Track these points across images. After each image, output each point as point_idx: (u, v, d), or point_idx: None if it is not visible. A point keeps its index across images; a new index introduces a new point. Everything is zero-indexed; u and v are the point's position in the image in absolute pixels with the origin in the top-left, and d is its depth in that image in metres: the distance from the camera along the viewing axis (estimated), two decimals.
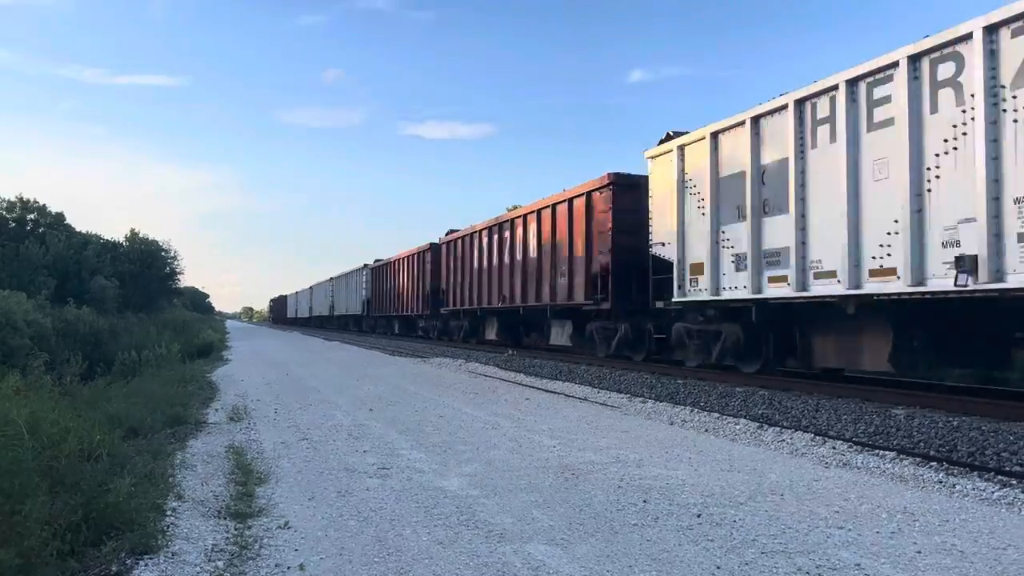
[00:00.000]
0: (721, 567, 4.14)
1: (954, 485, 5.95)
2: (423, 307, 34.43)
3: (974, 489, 5.81)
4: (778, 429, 8.50)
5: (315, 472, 6.63)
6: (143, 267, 50.29)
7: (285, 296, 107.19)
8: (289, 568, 4.18)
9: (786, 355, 12.13)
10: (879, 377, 12.09)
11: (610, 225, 17.27)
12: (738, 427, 8.78)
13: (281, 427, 9.26)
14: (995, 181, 8.35)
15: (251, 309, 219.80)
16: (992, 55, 8.44)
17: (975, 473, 6.32)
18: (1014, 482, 5.96)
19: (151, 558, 4.31)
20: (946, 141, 8.92)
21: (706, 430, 8.78)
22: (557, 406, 11.01)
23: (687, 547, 4.48)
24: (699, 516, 5.12)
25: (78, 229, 47.23)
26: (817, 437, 7.95)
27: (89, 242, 45.15)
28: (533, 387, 13.69)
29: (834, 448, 7.47)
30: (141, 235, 53.32)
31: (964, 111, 8.71)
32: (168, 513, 5.20)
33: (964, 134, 8.71)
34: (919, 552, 4.36)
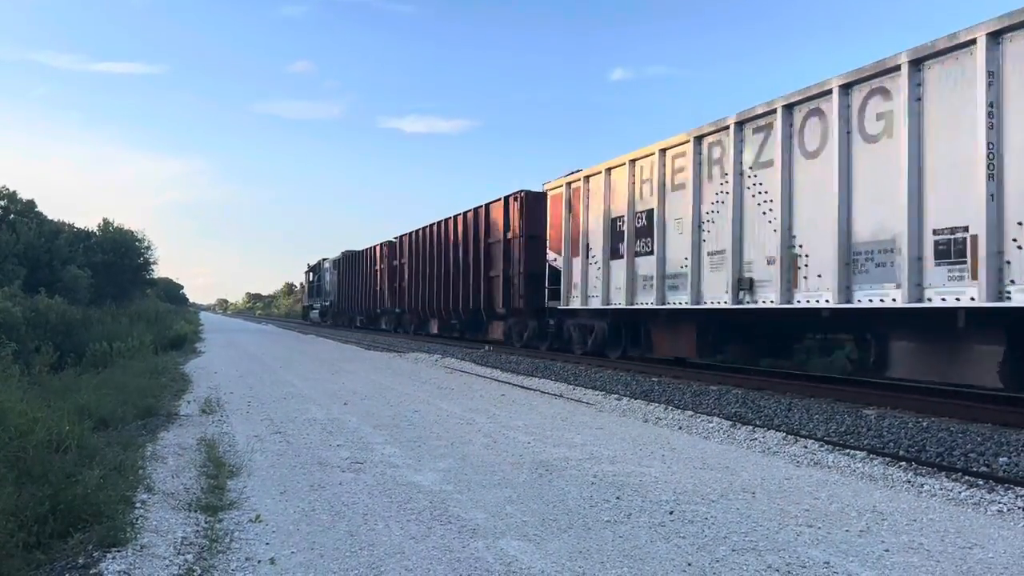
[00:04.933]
0: (692, 564, 4.16)
1: (922, 485, 6.03)
2: (382, 303, 35.12)
3: (942, 489, 5.89)
4: (751, 428, 8.57)
5: (288, 466, 6.59)
6: (116, 257, 49.54)
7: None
8: (260, 562, 4.15)
9: (637, 346, 15.57)
10: (852, 378, 12.27)
11: (522, 236, 19.68)
12: (711, 425, 8.84)
13: (254, 420, 9.19)
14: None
15: (226, 301, 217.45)
16: (740, 143, 12.07)
17: (943, 473, 6.42)
18: (981, 482, 6.06)
19: (119, 551, 4.26)
20: (714, 202, 12.69)
21: (680, 428, 8.83)
22: (532, 402, 11.03)
23: (659, 544, 4.50)
24: (671, 513, 5.15)
25: (50, 217, 46.46)
26: (789, 436, 8.03)
27: (61, 231, 44.40)
28: (509, 383, 13.69)
29: (806, 447, 7.55)
30: (114, 224, 52.55)
31: (725, 181, 12.38)
32: (137, 505, 5.14)
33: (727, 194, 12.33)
34: (887, 551, 4.41)
